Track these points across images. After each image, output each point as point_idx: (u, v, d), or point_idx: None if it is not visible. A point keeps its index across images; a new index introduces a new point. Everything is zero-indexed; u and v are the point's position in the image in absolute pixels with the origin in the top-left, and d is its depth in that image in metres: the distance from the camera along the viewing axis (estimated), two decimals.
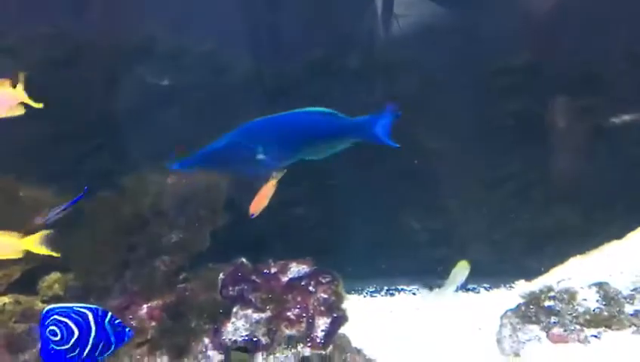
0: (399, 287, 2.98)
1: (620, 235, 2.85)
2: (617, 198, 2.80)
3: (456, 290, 2.82)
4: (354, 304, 2.88)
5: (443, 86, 2.86)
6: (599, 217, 2.85)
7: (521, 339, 2.35)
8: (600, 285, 2.41)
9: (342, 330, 2.22)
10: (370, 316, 2.70)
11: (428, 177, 2.85)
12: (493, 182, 2.88)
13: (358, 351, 2.21)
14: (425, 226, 2.94)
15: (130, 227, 2.17)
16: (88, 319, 1.51)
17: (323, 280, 2.11)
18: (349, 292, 3.00)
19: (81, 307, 1.52)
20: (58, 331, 1.48)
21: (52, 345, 1.48)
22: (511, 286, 2.91)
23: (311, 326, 2.02)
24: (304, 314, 2.03)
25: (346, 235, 2.94)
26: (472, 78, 2.81)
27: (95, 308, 1.53)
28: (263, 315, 2.02)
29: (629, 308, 2.34)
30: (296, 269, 2.17)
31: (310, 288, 2.09)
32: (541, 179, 2.86)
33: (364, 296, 2.95)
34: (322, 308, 2.06)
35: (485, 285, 2.94)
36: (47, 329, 1.48)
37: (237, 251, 2.29)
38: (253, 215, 2.21)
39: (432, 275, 2.87)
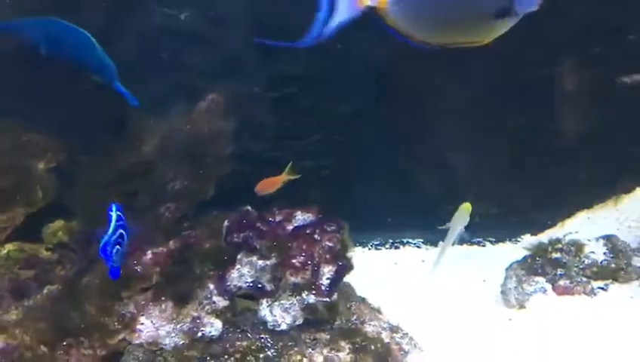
0: (404, 240, 2.97)
1: (628, 190, 2.83)
2: (626, 153, 2.75)
3: (460, 235, 2.77)
4: (359, 256, 2.87)
5: None
6: (608, 171, 2.81)
7: (527, 291, 2.35)
8: (608, 238, 2.40)
9: (347, 279, 2.23)
10: (375, 267, 2.70)
11: (435, 129, 2.80)
12: (501, 134, 2.83)
13: (363, 300, 2.21)
14: (431, 179, 2.90)
15: (133, 172, 2.14)
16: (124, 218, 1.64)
17: (328, 229, 2.09)
18: (354, 245, 3.01)
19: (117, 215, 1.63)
20: (119, 247, 1.64)
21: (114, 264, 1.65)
22: (517, 240, 2.90)
23: (316, 273, 2.00)
24: (309, 262, 2.01)
25: (352, 188, 2.91)
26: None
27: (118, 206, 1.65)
28: (267, 262, 2.00)
29: (636, 261, 2.34)
30: (302, 217, 2.15)
31: (315, 236, 2.07)
32: (550, 132, 2.81)
33: (369, 249, 2.94)
34: (327, 256, 2.05)
35: (491, 238, 2.92)
36: (115, 251, 1.63)
37: (243, 200, 2.29)
38: (258, 192, 2.30)
39: (438, 228, 2.83)
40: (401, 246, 2.94)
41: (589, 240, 2.41)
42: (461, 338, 2.17)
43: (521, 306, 2.34)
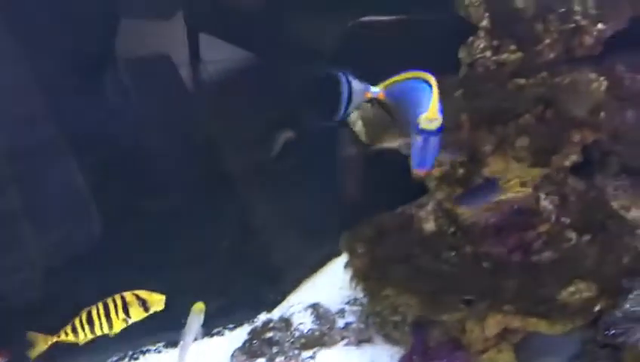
0: (144, 348, 2.89)
1: (337, 253, 3.08)
2: (329, 219, 3.01)
3: (200, 336, 2.77)
4: None
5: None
6: (318, 239, 3.04)
7: None
8: (314, 306, 2.58)
9: None
10: None
11: (146, 238, 2.82)
12: (215, 223, 2.94)
13: None
14: (158, 281, 2.88)
15: None
16: None
17: None
18: None
19: None
20: None
21: None
22: (253, 321, 2.95)
23: None
24: None
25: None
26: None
27: None
28: None
29: (340, 323, 2.53)
30: None
31: None
32: (259, 212, 2.98)
33: None
34: None
35: (230, 325, 2.95)
36: None
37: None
38: None
39: (176, 328, 2.82)
40: (141, 356, 2.86)
41: (298, 311, 2.56)
42: None
43: None
